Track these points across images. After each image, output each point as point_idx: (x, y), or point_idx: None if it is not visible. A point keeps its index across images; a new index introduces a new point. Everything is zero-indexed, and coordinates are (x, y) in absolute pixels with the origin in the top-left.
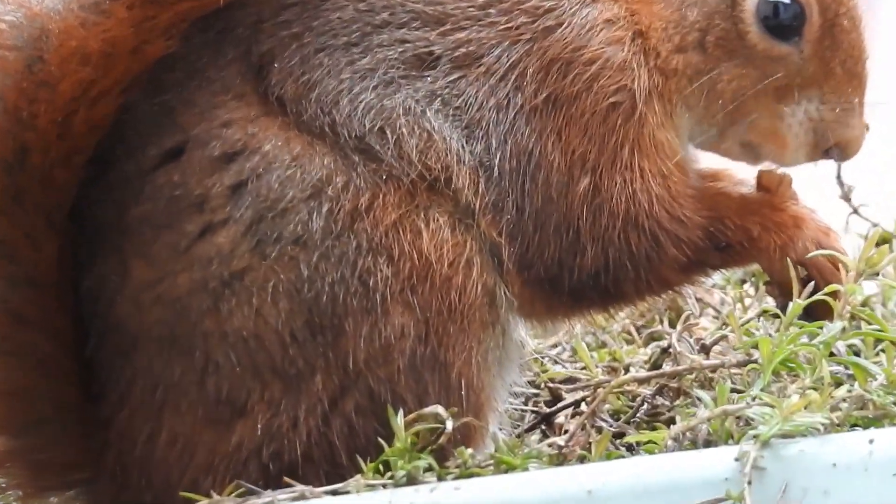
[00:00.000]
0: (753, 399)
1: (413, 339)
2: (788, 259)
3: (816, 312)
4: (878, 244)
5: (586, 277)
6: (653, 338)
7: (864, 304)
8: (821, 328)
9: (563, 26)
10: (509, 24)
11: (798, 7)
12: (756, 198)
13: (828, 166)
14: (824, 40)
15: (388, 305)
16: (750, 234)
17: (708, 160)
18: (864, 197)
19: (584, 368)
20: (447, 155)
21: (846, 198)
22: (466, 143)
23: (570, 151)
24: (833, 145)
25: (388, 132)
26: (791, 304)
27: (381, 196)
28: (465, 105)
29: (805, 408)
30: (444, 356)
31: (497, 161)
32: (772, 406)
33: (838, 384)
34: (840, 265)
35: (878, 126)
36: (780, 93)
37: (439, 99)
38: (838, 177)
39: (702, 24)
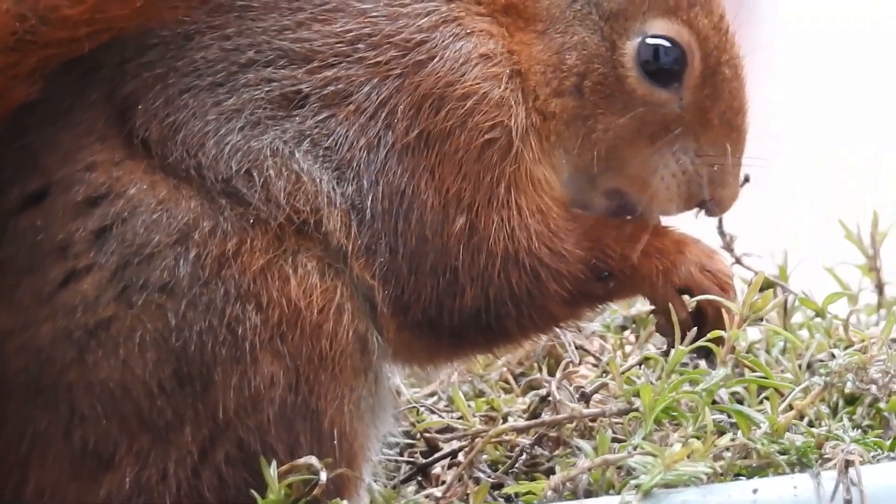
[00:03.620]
0: (635, 448)
1: (283, 387)
2: (671, 286)
3: (712, 325)
4: (761, 290)
5: (467, 317)
6: (531, 386)
7: (749, 350)
8: (703, 375)
9: (436, 60)
10: (379, 60)
11: (679, 51)
12: (636, 225)
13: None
14: (704, 88)
15: (258, 354)
16: (631, 262)
17: None
18: (747, 246)
19: (461, 418)
20: (317, 197)
21: (728, 248)
22: (337, 184)
23: (445, 190)
24: (705, 202)
25: (255, 174)
26: (673, 351)
27: (248, 241)
28: (335, 145)
29: (688, 457)
30: (316, 405)
31: (369, 202)
32: (654, 455)
33: (721, 433)
34: (728, 290)
35: (757, 177)
36: (655, 141)
37: (308, 139)
38: (720, 227)
39: (580, 68)
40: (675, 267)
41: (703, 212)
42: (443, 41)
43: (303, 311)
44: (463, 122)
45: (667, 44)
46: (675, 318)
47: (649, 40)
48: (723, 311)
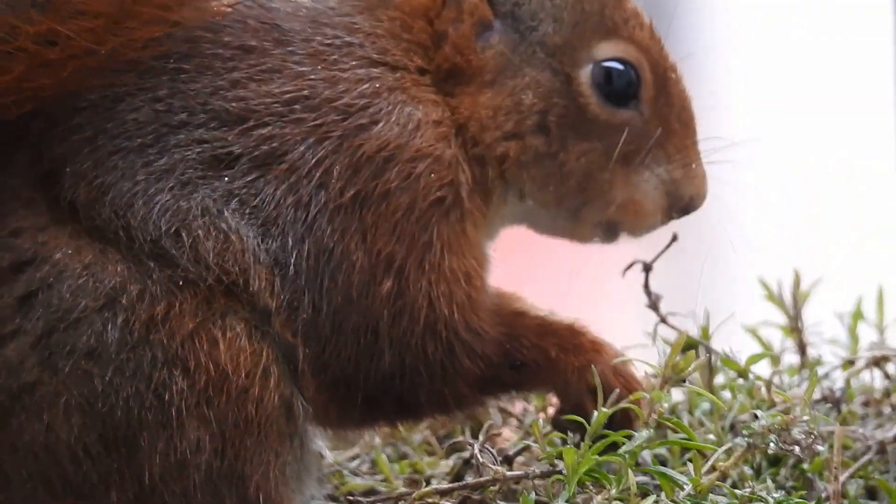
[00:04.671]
0: None
1: (209, 453)
2: (584, 384)
3: (620, 425)
4: (684, 350)
5: (382, 382)
6: (455, 448)
7: (672, 411)
8: (627, 437)
9: (381, 124)
10: (317, 122)
11: (631, 70)
12: (555, 321)
13: (632, 277)
14: (659, 98)
15: (184, 419)
16: (547, 355)
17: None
18: (671, 306)
19: (384, 481)
20: (244, 255)
21: (654, 306)
22: (262, 241)
23: (376, 252)
24: (686, 203)
25: (183, 234)
26: (594, 416)
27: (177, 304)
28: (262, 203)
29: None
30: (242, 470)
31: (293, 259)
32: None
33: (645, 494)
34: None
35: (682, 235)
36: (629, 161)
37: (237, 199)
38: (646, 286)
39: (539, 105)
40: (591, 365)
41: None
42: (388, 107)
43: (230, 375)
44: (407, 184)
45: (618, 65)
46: (599, 398)
47: (602, 64)
48: (630, 415)
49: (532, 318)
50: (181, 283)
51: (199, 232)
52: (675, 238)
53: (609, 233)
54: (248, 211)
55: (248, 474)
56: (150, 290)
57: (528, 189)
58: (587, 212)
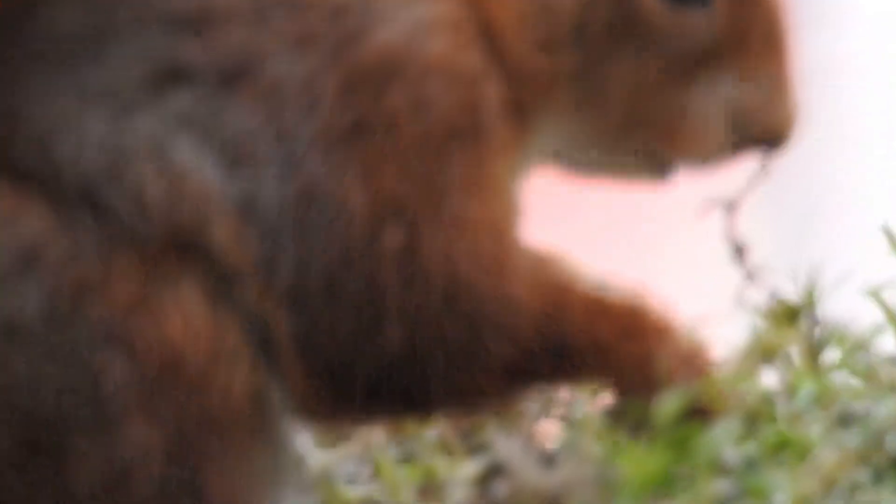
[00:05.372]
0: None
1: (161, 458)
2: (645, 378)
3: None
4: (781, 319)
5: (387, 366)
6: (480, 447)
7: (764, 399)
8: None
9: (381, 27)
10: (300, 27)
11: None
12: (609, 297)
13: (714, 221)
14: (739, 4)
15: (127, 416)
16: (598, 340)
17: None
18: (765, 260)
19: (388, 489)
20: (204, 203)
21: (739, 259)
22: (229, 184)
23: (380, 197)
24: (759, 135)
25: (124, 176)
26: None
27: (116, 266)
28: (229, 133)
29: None
30: (201, 479)
31: (273, 206)
32: None
33: None
34: None
35: (781, 171)
36: (687, 76)
37: (195, 128)
38: (729, 232)
39: (576, 9)
40: (652, 354)
41: (759, 158)
42: (391, 4)
43: (186, 358)
44: (417, 107)
45: None
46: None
47: None
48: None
49: (580, 292)
50: (121, 238)
51: (145, 172)
52: (765, 169)
53: (658, 166)
54: (209, 144)
55: (209, 484)
56: (81, 247)
57: (565, 113)
58: (627, 141)
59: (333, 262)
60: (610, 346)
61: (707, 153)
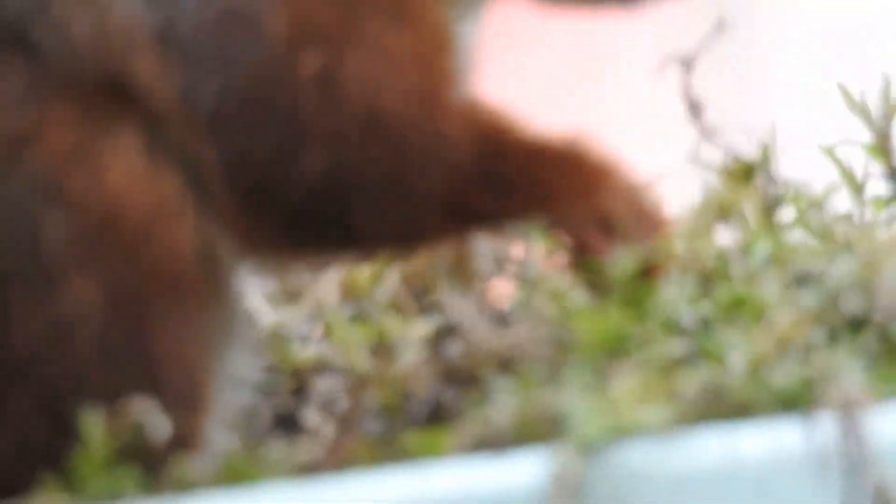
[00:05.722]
0: (570, 388)
1: (103, 316)
2: (591, 205)
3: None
4: (736, 176)
5: (310, 193)
6: (432, 307)
7: (719, 258)
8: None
9: None
10: None
11: None
12: (549, 139)
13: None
14: None
15: (67, 272)
16: (537, 175)
17: None
18: (720, 118)
19: (341, 350)
20: (129, 38)
21: (694, 115)
22: (151, 12)
23: (300, 18)
24: None
25: (51, 9)
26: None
27: (49, 111)
28: None
29: (640, 398)
30: (146, 338)
31: (194, 32)
32: (594, 397)
33: (683, 367)
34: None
35: (736, 27)
36: None
37: None
38: (685, 89)
39: None
40: (595, 191)
41: None
42: None
43: (127, 212)
44: None
45: None
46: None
47: None
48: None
49: (518, 132)
50: (54, 81)
51: (71, 4)
52: (723, 24)
53: None
54: None
55: (156, 343)
56: (13, 94)
57: None
58: None
59: (253, 85)
60: (550, 180)
61: None
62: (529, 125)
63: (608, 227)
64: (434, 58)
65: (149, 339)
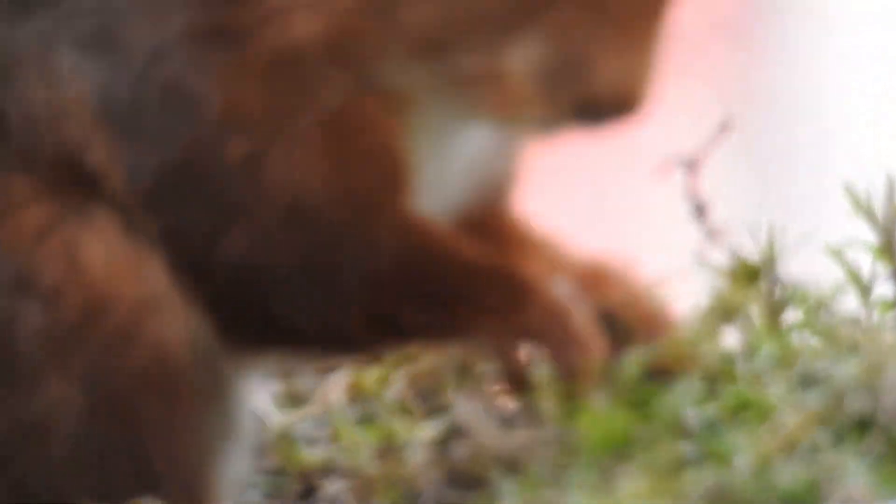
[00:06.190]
0: (576, 489)
1: (81, 418)
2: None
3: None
4: (741, 277)
5: (234, 277)
6: (439, 408)
7: (724, 360)
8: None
9: None
10: None
11: None
12: (482, 254)
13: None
14: None
15: (42, 370)
16: (464, 293)
17: None
18: (724, 218)
19: (347, 451)
20: (83, 111)
21: (699, 216)
22: (94, 83)
23: (234, 102)
24: (576, 100)
25: (13, 80)
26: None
27: (15, 189)
28: (104, 28)
29: (646, 501)
30: (143, 440)
31: (129, 104)
32: (602, 499)
33: (689, 468)
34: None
35: (742, 131)
36: (490, 29)
37: (83, 22)
38: (690, 191)
39: None
40: (521, 310)
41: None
42: None
43: (109, 302)
44: (265, 24)
45: None
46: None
47: None
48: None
49: (451, 250)
50: (19, 156)
51: (30, 77)
52: (725, 127)
53: (466, 104)
54: (89, 42)
55: (151, 446)
56: None
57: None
58: (436, 70)
59: (186, 163)
60: (475, 298)
61: (518, 111)
62: (467, 243)
63: (548, 340)
64: (375, 166)
65: (138, 442)
